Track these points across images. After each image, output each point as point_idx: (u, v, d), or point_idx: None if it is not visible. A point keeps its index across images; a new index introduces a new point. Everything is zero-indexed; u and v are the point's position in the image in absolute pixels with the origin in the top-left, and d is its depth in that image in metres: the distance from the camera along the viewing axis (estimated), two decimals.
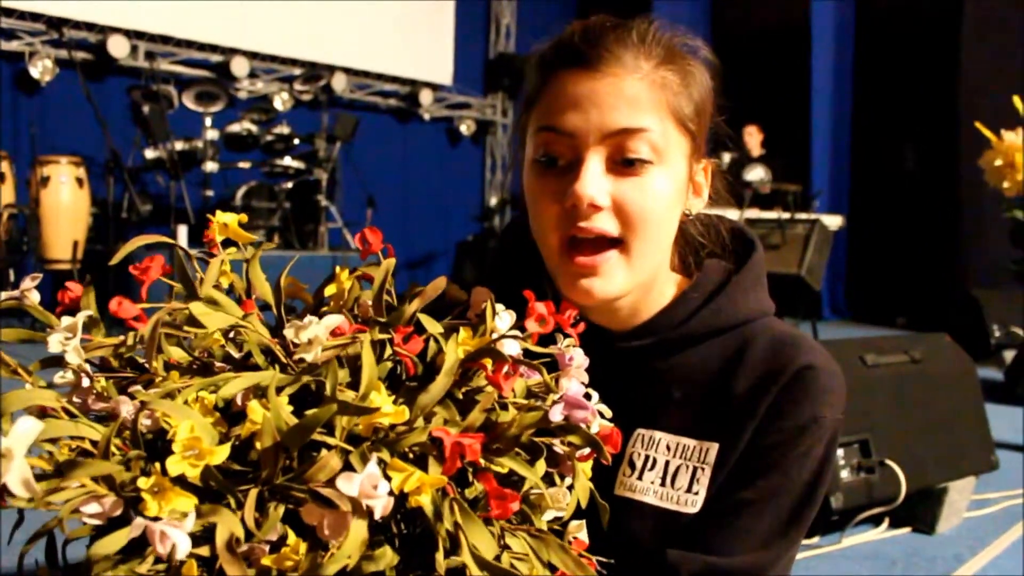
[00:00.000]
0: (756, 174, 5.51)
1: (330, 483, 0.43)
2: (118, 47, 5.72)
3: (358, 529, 0.42)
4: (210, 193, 5.62)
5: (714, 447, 0.77)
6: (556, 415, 0.49)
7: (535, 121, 0.76)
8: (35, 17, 5.50)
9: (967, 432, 2.21)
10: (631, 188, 0.73)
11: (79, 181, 4.94)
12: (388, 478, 0.44)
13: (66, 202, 4.88)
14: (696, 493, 0.76)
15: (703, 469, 0.77)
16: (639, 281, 0.77)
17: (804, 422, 0.76)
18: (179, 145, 5.40)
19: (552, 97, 0.74)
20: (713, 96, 0.79)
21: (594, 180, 0.72)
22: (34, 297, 0.55)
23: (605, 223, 0.73)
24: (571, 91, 0.73)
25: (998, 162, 2.78)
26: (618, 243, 0.74)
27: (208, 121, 5.57)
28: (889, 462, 1.97)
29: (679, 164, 0.76)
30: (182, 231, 4.96)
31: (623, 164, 0.73)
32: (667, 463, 0.78)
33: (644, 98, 0.72)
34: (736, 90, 0.83)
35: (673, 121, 0.74)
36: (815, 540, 2.06)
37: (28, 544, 0.49)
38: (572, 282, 0.75)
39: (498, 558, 0.48)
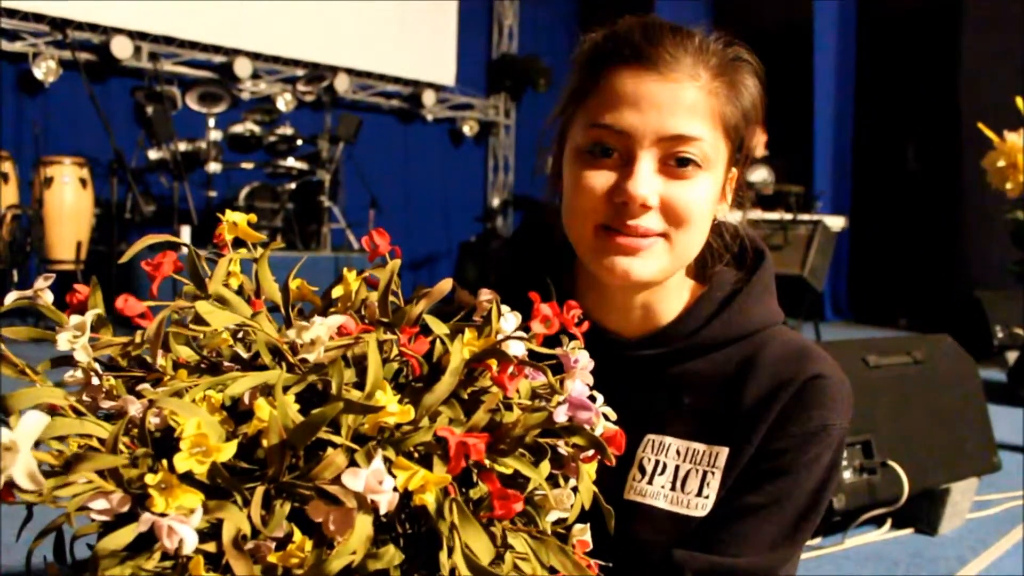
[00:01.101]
0: (759, 175, 5.51)
1: (336, 481, 0.44)
2: (121, 48, 5.73)
3: (363, 525, 0.43)
4: (213, 194, 5.62)
5: (724, 451, 0.78)
6: (560, 416, 0.50)
7: (587, 114, 0.76)
8: (38, 18, 5.51)
9: (969, 433, 2.21)
10: (679, 191, 0.74)
11: (82, 182, 4.95)
12: (393, 476, 0.44)
13: (69, 203, 4.89)
14: (707, 497, 0.77)
15: (713, 473, 0.78)
16: (673, 271, 0.79)
17: (813, 429, 0.77)
18: (182, 146, 5.41)
19: (608, 92, 0.75)
20: (758, 109, 0.81)
21: (648, 181, 0.73)
22: (47, 297, 0.55)
23: (652, 223, 0.74)
24: (630, 89, 0.74)
25: (1000, 163, 2.78)
26: (662, 235, 0.76)
27: (211, 122, 5.58)
28: (891, 463, 1.97)
29: (720, 171, 0.78)
30: (185, 232, 4.97)
31: (674, 166, 0.74)
32: (677, 467, 0.79)
33: (701, 106, 0.74)
34: None
35: (721, 130, 0.76)
36: (818, 541, 2.06)
37: (36, 540, 0.50)
38: (609, 261, 0.76)
39: (501, 558, 0.48)
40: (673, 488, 0.78)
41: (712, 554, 0.75)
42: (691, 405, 0.81)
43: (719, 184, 0.79)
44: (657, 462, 0.80)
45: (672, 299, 0.83)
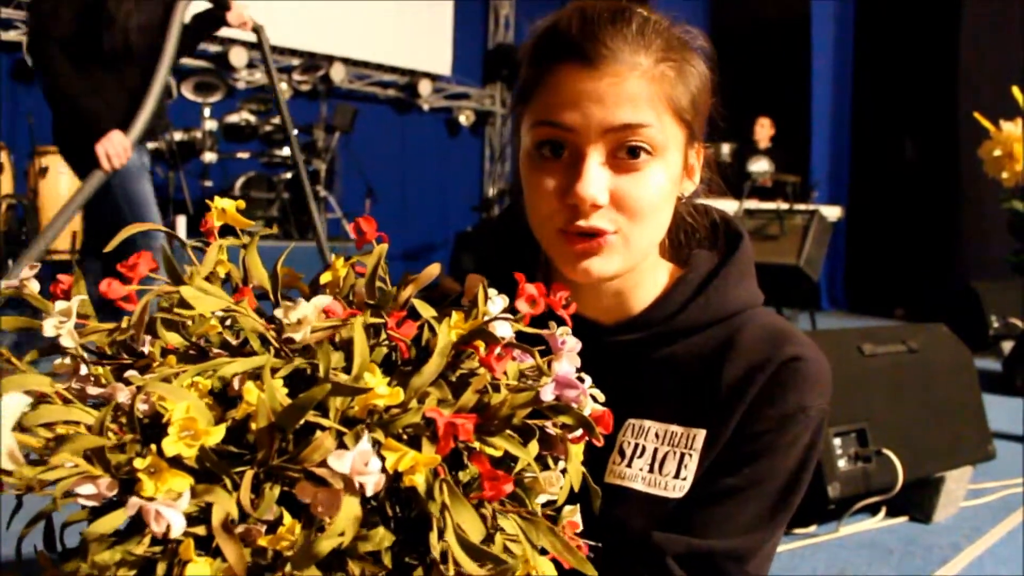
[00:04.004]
0: (760, 166, 5.52)
1: (324, 464, 0.44)
2: None
3: (350, 506, 0.43)
4: (209, 184, 5.61)
5: (701, 433, 0.78)
6: (548, 395, 0.50)
7: (532, 115, 0.76)
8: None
9: (964, 422, 2.22)
10: (630, 183, 0.73)
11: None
12: (383, 459, 0.44)
13: (65, 192, 4.86)
14: (684, 479, 0.77)
15: (690, 455, 0.78)
16: (635, 262, 0.78)
17: (791, 411, 0.77)
18: (178, 136, 5.39)
19: (550, 92, 0.74)
20: (710, 85, 0.79)
21: (596, 180, 0.72)
22: (33, 286, 0.55)
23: (603, 222, 0.74)
24: (570, 88, 0.73)
25: (997, 152, 2.78)
26: (616, 232, 0.75)
27: (207, 111, 5.56)
28: (886, 451, 1.97)
29: (675, 155, 0.77)
30: (181, 221, 4.95)
31: (623, 157, 0.73)
32: (655, 450, 0.79)
33: (644, 94, 0.73)
34: (736, 83, 0.83)
35: (671, 114, 0.75)
36: (812, 529, 2.07)
37: (26, 528, 0.50)
38: (571, 263, 0.76)
39: (491, 539, 0.49)
40: (651, 470, 0.78)
41: (691, 536, 0.75)
42: (670, 388, 0.81)
43: (676, 169, 0.77)
44: (636, 445, 0.80)
45: (647, 283, 0.83)
